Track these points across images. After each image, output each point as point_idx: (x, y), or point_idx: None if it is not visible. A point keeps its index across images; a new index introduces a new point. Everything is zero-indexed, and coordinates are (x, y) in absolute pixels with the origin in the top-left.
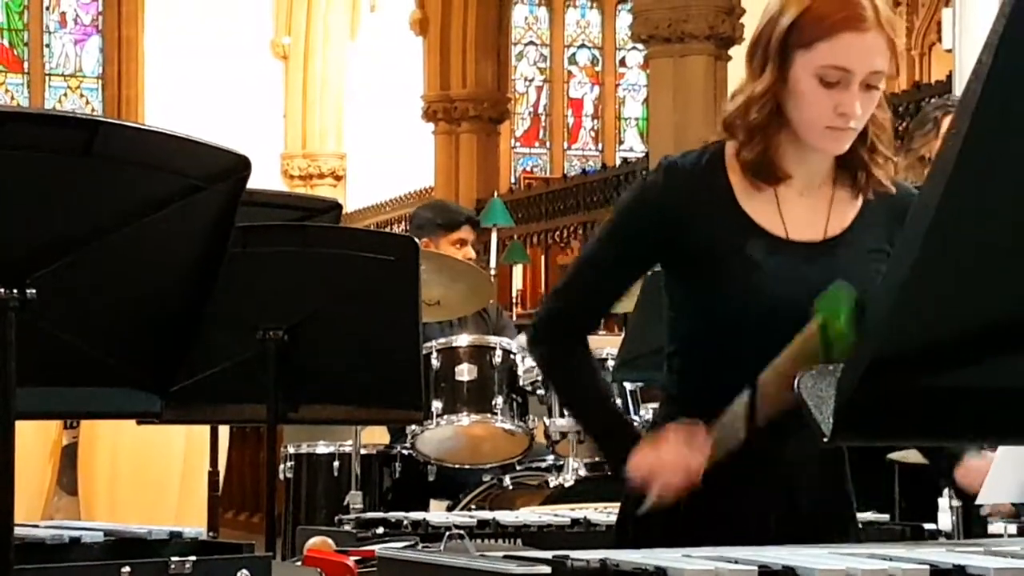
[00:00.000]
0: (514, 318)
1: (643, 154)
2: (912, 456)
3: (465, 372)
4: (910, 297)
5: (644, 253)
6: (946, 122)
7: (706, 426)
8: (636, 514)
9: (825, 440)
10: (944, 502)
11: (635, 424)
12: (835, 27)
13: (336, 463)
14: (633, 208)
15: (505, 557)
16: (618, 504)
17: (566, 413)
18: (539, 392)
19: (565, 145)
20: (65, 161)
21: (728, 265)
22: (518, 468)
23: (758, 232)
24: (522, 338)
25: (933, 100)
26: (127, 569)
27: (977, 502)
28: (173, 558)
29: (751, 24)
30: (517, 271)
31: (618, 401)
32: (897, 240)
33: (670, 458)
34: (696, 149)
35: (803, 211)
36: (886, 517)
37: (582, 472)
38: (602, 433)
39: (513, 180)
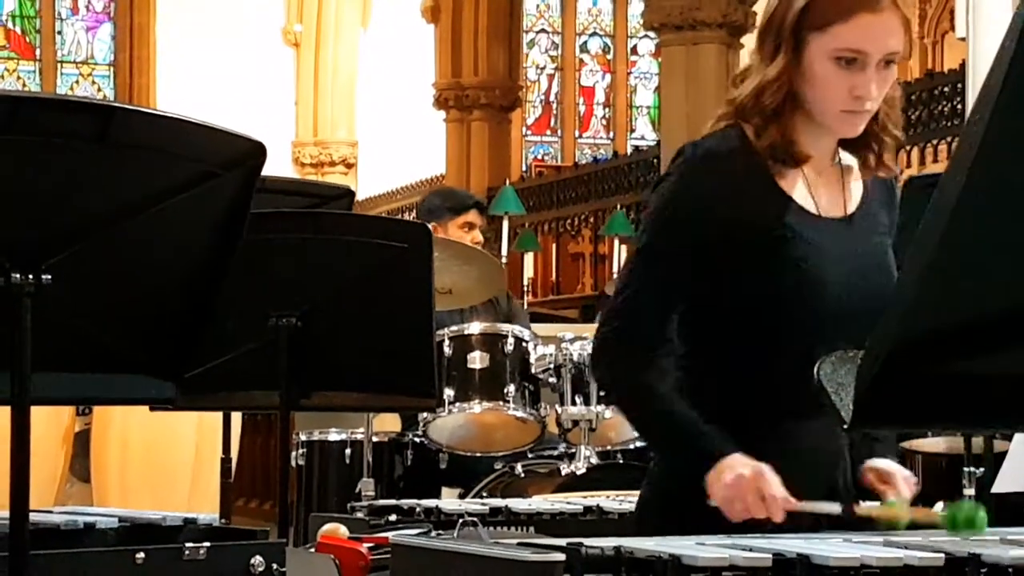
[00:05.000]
0: (525, 306)
1: (654, 142)
2: (927, 444)
3: (477, 360)
4: (931, 284)
5: (699, 243)
6: None
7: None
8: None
9: (845, 427)
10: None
11: (713, 435)
12: (851, 9)
13: (348, 450)
14: (680, 198)
15: (519, 544)
16: (629, 491)
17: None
18: (551, 380)
19: (576, 133)
20: (80, 147)
21: (775, 243)
22: (530, 456)
23: (796, 209)
24: (533, 325)
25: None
26: (142, 555)
27: (993, 490)
28: (187, 544)
29: (763, 12)
30: (528, 259)
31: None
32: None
33: (752, 489)
34: (713, 134)
35: (824, 189)
36: None
37: (594, 460)
38: (673, 453)
39: (524, 168)
